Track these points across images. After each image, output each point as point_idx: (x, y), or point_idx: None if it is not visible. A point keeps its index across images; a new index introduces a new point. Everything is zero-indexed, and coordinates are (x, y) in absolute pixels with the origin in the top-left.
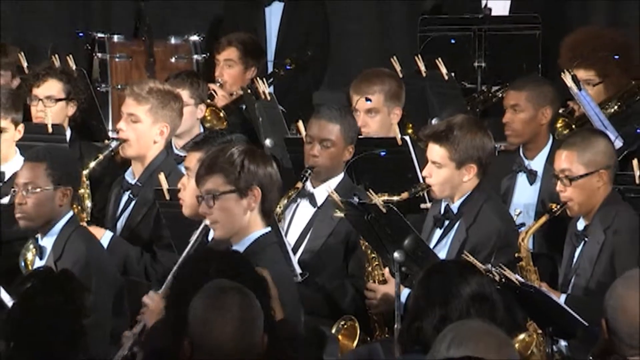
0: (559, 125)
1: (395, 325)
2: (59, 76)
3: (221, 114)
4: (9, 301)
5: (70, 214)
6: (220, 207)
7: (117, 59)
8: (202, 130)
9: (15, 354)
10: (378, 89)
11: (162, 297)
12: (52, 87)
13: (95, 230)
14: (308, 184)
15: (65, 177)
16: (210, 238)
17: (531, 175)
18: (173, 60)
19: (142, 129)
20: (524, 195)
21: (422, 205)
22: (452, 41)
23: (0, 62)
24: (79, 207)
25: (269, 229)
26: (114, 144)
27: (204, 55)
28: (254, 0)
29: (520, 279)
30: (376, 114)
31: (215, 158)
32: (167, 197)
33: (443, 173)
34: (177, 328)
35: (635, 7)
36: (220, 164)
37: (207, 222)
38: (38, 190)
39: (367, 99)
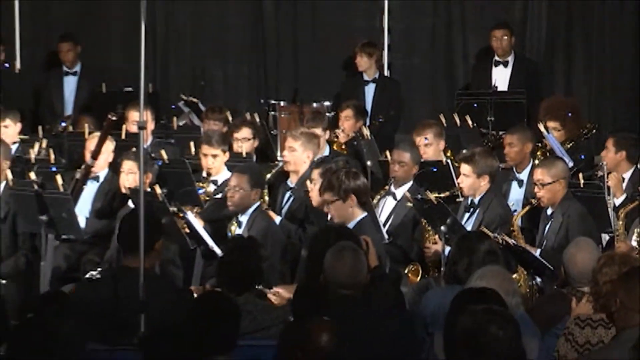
0: (538, 153)
1: (442, 269)
2: (249, 125)
3: (342, 147)
4: (220, 253)
5: (258, 203)
6: (333, 208)
7: (282, 115)
8: (327, 147)
9: (222, 283)
10: (429, 131)
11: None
12: (245, 132)
13: (272, 214)
14: (391, 187)
15: (257, 183)
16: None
17: (520, 182)
18: None
19: (297, 155)
20: (516, 194)
21: (458, 200)
22: (475, 105)
23: (216, 117)
24: (262, 200)
25: (366, 214)
26: (280, 164)
27: (333, 112)
28: (358, 82)
29: (513, 242)
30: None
31: (329, 180)
32: None
33: (469, 181)
34: (317, 270)
35: (582, 83)
36: (330, 183)
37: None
38: (242, 190)
39: (425, 138)
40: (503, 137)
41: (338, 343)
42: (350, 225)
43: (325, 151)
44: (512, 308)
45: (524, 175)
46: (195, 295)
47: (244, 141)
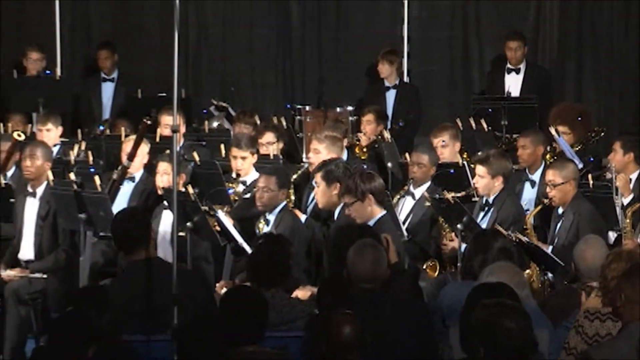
0: (548, 156)
1: (458, 265)
2: (272, 130)
3: (364, 150)
4: (249, 250)
5: (285, 202)
6: (353, 208)
7: (307, 119)
8: (346, 153)
9: (252, 278)
10: (445, 134)
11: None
12: (268, 136)
13: (298, 213)
14: (411, 187)
15: (284, 184)
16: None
17: (532, 183)
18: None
19: (322, 157)
20: (528, 194)
21: (473, 199)
22: (489, 110)
23: (247, 120)
24: (288, 199)
25: (385, 212)
26: (306, 165)
27: (355, 117)
28: (380, 88)
29: (526, 239)
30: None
31: (347, 184)
32: None
33: (484, 181)
34: (340, 266)
35: (590, 89)
36: (348, 187)
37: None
38: (270, 191)
39: (442, 140)
40: (516, 140)
41: (360, 334)
42: (371, 223)
43: (343, 156)
44: (523, 300)
45: (536, 176)
46: (224, 289)
47: (268, 145)
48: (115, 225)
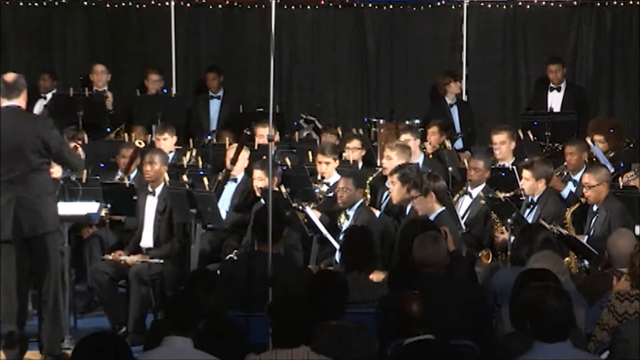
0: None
1: (508, 253)
2: (359, 138)
3: (430, 157)
4: (332, 240)
5: (362, 200)
6: (417, 202)
7: (381, 131)
8: (422, 155)
9: (344, 261)
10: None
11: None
12: (355, 142)
13: (373, 209)
14: (468, 188)
15: (360, 184)
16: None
17: (574, 183)
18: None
19: (393, 163)
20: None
21: (521, 198)
22: (535, 123)
23: (331, 131)
24: (365, 198)
25: (444, 208)
26: (380, 169)
27: (421, 129)
28: (444, 105)
29: (566, 231)
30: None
31: (415, 180)
32: None
33: (529, 183)
34: (407, 254)
35: (622, 105)
36: (415, 182)
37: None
38: (348, 190)
39: (496, 149)
40: (563, 147)
41: (425, 312)
42: (432, 217)
43: (420, 157)
44: (563, 283)
45: (576, 177)
46: (312, 272)
47: (354, 150)
48: (257, 217)
